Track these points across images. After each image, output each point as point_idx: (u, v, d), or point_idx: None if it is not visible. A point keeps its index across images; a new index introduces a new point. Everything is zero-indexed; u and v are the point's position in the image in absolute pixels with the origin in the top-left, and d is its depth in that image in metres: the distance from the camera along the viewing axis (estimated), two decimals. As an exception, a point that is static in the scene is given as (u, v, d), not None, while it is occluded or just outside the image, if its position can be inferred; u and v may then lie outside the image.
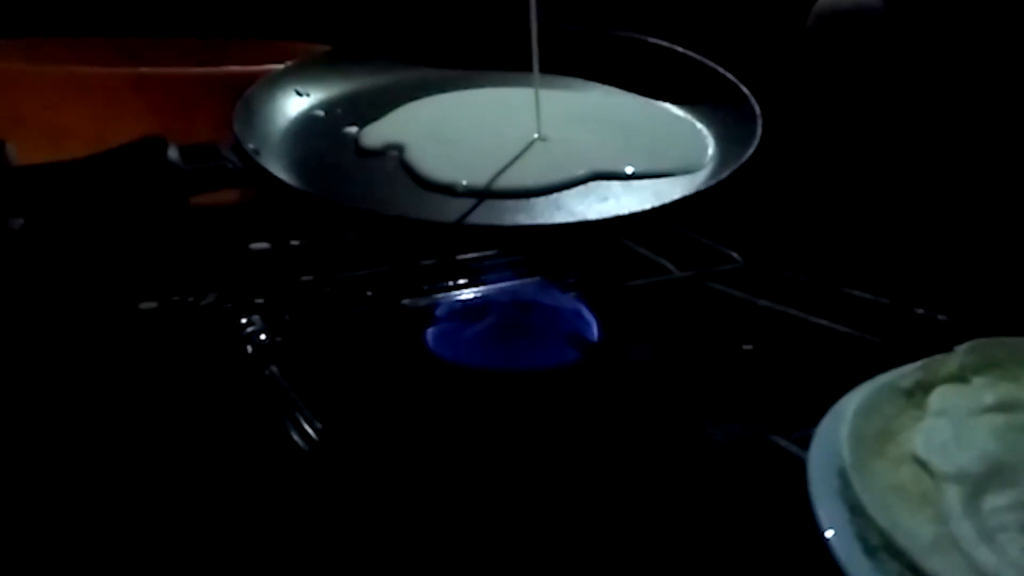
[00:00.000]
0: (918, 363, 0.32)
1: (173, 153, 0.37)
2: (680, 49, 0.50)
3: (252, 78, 0.49)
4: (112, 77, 0.48)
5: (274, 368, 0.40)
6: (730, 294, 0.51)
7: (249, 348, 0.42)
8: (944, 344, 0.33)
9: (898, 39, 0.55)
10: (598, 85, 0.51)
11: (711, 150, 0.44)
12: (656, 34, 0.52)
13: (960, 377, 0.31)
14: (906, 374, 0.31)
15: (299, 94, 0.48)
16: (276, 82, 0.47)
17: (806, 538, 0.25)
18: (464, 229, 0.38)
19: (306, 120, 0.47)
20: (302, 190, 0.39)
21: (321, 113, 0.47)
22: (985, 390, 0.30)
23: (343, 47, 0.52)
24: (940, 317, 0.46)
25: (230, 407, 0.38)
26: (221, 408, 0.38)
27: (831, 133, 0.59)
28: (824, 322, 0.46)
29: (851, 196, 0.57)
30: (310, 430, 0.35)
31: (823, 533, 0.25)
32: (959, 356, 0.32)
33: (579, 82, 0.51)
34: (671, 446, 0.36)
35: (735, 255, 0.55)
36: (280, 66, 0.48)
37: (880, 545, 0.24)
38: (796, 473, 0.28)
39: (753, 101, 0.45)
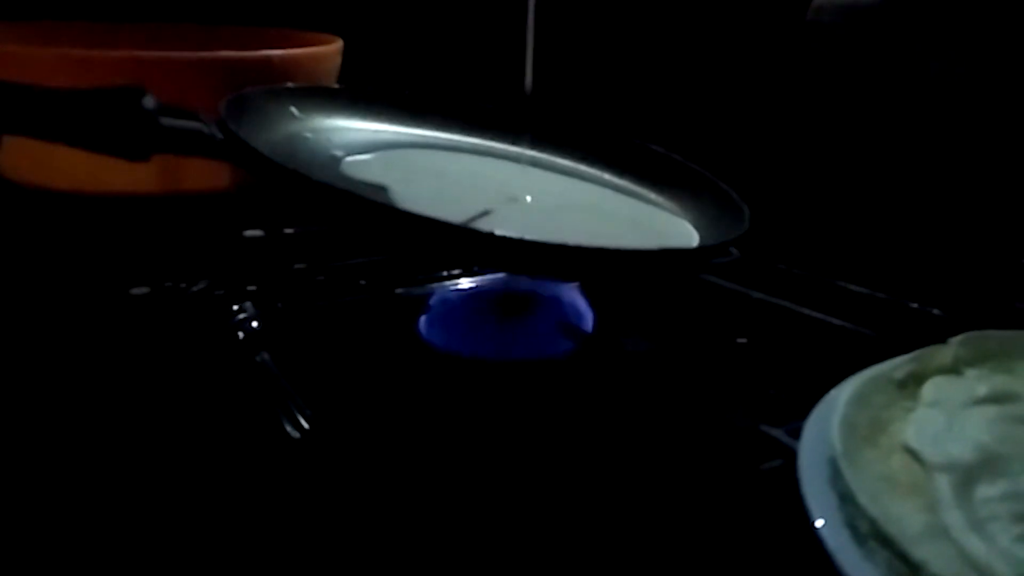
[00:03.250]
0: (911, 354, 0.32)
1: (149, 102, 0.36)
2: (695, 166, 0.50)
3: (249, 63, 0.49)
4: (108, 60, 0.48)
5: (265, 355, 0.40)
6: (725, 286, 0.50)
7: (240, 335, 0.41)
8: (938, 338, 0.33)
9: (894, 34, 0.55)
10: (597, 174, 0.52)
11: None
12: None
13: (953, 369, 0.31)
14: (899, 365, 0.31)
15: (294, 114, 0.48)
16: (277, 93, 0.47)
17: (796, 526, 0.25)
18: (448, 229, 0.36)
19: (294, 136, 0.47)
20: (280, 164, 0.37)
21: (309, 135, 0.47)
22: (978, 382, 0.30)
23: (354, 87, 0.53)
24: (934, 311, 0.46)
25: (221, 394, 0.37)
26: (211, 395, 0.37)
27: (827, 128, 0.59)
28: (818, 315, 0.46)
29: (847, 190, 0.57)
30: (301, 418, 0.35)
31: (813, 521, 0.25)
32: (952, 348, 0.32)
33: (573, 166, 0.53)
34: (664, 437, 0.36)
35: (731, 248, 0.55)
36: (276, 52, 0.48)
37: (870, 534, 0.24)
38: (788, 463, 0.28)
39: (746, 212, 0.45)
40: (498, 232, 0.35)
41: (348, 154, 0.46)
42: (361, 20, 0.70)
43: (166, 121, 0.37)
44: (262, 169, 0.37)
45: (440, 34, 0.75)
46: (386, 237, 0.39)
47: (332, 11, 0.69)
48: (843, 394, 0.30)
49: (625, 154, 0.52)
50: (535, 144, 0.54)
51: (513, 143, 0.53)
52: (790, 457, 0.28)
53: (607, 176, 0.52)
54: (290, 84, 0.48)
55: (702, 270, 0.51)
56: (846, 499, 0.25)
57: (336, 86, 0.55)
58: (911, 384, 0.31)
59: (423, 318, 0.43)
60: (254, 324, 0.42)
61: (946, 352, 0.32)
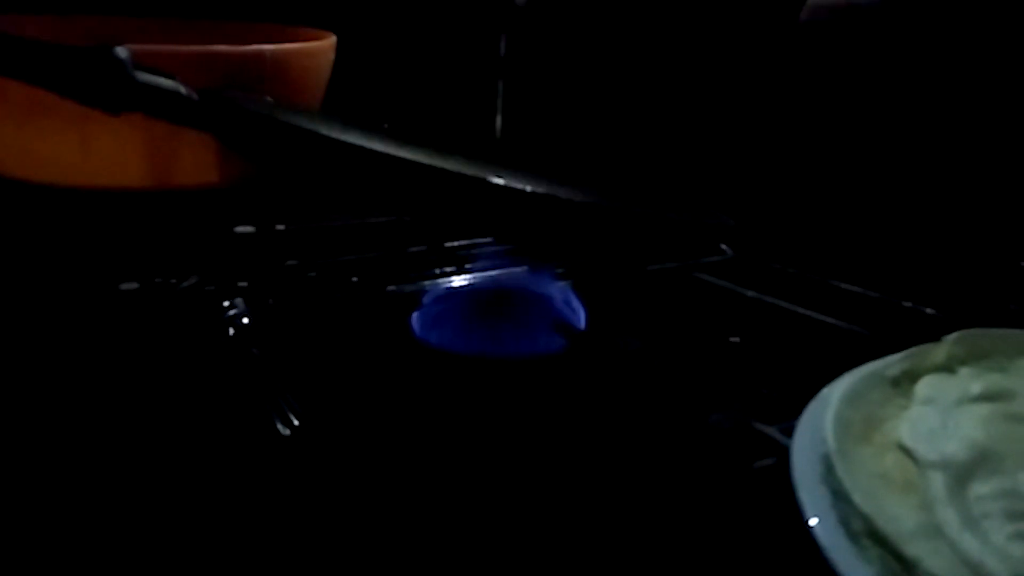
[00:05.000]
0: (905, 352, 0.32)
1: (122, 52, 0.35)
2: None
3: (242, 58, 0.49)
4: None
5: (256, 352, 0.39)
6: (719, 285, 0.50)
7: (231, 331, 0.41)
8: (932, 337, 0.33)
9: (889, 33, 0.55)
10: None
11: None
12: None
13: (947, 367, 0.31)
14: (893, 363, 0.31)
15: None
16: (266, 103, 0.46)
17: (790, 524, 0.25)
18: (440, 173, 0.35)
19: None
20: (278, 119, 0.36)
21: None
22: (972, 380, 0.30)
23: (335, 111, 0.52)
24: (928, 310, 0.46)
25: (210, 390, 0.37)
26: (201, 391, 0.37)
27: (821, 127, 0.59)
28: (812, 314, 0.46)
29: (841, 189, 0.57)
30: (291, 415, 0.35)
31: (807, 520, 0.24)
32: (946, 346, 0.32)
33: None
34: (657, 435, 0.36)
35: (724, 247, 0.55)
36: (268, 47, 0.48)
37: (863, 532, 0.24)
38: (781, 461, 0.28)
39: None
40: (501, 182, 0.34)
41: None
42: (356, 18, 0.70)
43: (141, 76, 0.36)
44: (249, 131, 0.36)
45: (415, 63, 0.75)
46: (384, 186, 0.36)
47: (325, 8, 0.69)
48: (837, 392, 0.29)
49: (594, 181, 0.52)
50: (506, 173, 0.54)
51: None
52: (783, 455, 0.28)
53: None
54: (269, 98, 0.48)
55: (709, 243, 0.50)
56: (840, 497, 0.25)
57: (317, 112, 0.55)
58: (905, 382, 0.30)
59: (415, 315, 0.43)
60: (245, 320, 0.42)
61: (940, 350, 0.32)
